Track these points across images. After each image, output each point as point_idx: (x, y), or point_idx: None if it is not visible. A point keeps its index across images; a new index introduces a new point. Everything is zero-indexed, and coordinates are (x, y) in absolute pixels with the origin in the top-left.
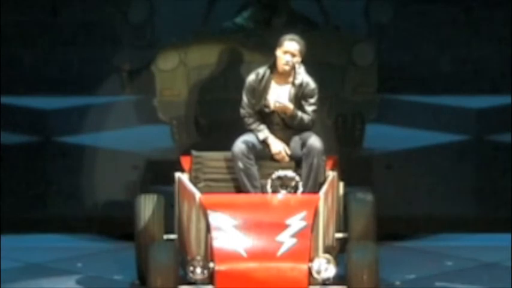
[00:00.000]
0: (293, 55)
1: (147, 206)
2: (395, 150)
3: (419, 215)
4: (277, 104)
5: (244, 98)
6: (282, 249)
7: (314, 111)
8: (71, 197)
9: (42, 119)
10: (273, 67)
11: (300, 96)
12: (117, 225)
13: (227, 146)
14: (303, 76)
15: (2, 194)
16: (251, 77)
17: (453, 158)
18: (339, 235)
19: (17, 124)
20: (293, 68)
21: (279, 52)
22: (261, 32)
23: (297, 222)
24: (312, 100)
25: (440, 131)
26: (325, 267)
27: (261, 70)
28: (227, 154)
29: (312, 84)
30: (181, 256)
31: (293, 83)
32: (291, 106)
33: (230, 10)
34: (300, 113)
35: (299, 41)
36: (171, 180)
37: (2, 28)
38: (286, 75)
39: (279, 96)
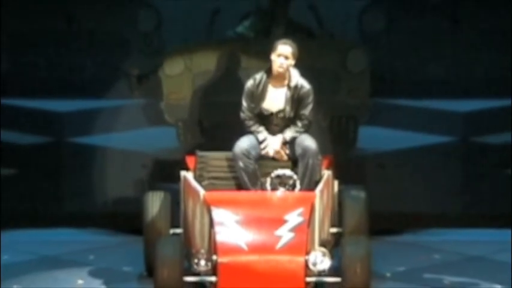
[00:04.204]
0: (286, 57)
1: (154, 203)
2: (386, 150)
3: (409, 211)
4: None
5: (244, 103)
6: (281, 243)
7: (310, 111)
8: (84, 194)
9: (57, 121)
10: (269, 72)
11: (296, 98)
12: (127, 220)
13: (229, 146)
14: (297, 79)
15: (19, 191)
16: (249, 83)
17: (441, 158)
18: (334, 230)
19: (33, 125)
20: (287, 70)
21: (273, 56)
22: (261, 40)
23: (294, 217)
24: (308, 100)
25: (428, 133)
26: (320, 260)
27: (258, 75)
28: (229, 154)
29: (306, 85)
30: (186, 249)
31: (288, 86)
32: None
33: (232, 20)
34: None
35: (292, 44)
36: (176, 178)
37: (21, 35)
38: (281, 79)
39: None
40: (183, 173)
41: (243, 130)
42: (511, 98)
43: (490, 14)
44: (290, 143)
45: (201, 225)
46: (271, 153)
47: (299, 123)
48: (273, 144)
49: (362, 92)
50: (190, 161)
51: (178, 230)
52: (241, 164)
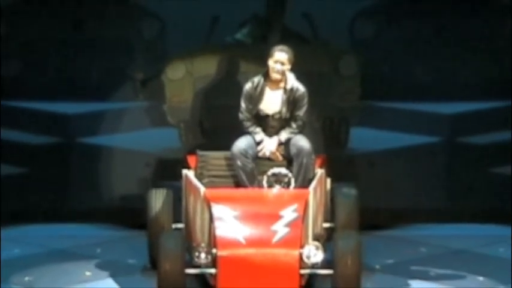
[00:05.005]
0: (282, 63)
1: (157, 199)
2: (376, 150)
3: (397, 207)
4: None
5: (242, 104)
6: (276, 237)
7: (305, 113)
8: (91, 191)
9: (65, 123)
10: (266, 75)
11: (291, 100)
12: (131, 216)
13: (228, 146)
14: (293, 82)
15: (30, 189)
16: (248, 85)
17: (427, 157)
18: (326, 225)
19: (43, 127)
20: (283, 74)
21: (270, 62)
22: (258, 46)
23: (289, 213)
24: (302, 103)
25: (416, 133)
26: (314, 253)
27: (256, 78)
28: (228, 154)
29: (301, 88)
30: (188, 243)
31: (284, 89)
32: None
33: (231, 27)
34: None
35: (288, 51)
36: (178, 176)
37: (32, 41)
38: (278, 82)
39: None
40: (184, 171)
41: (241, 131)
42: (493, 101)
43: (471, 22)
44: (285, 143)
45: (201, 221)
46: (267, 154)
47: (294, 125)
48: (269, 145)
49: (353, 95)
50: (191, 160)
51: (180, 225)
52: (239, 163)
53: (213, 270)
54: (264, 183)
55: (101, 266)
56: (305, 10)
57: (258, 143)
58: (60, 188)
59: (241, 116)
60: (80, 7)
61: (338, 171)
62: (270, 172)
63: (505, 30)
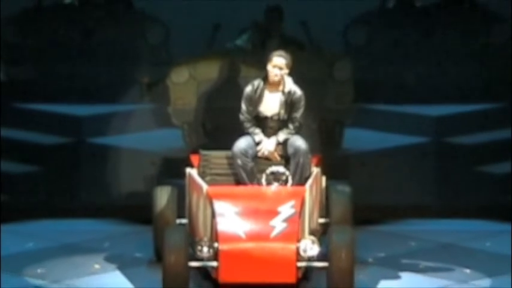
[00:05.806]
0: (280, 68)
1: (162, 196)
2: (369, 150)
3: (388, 203)
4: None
5: (243, 106)
6: (275, 232)
7: (301, 115)
8: (100, 188)
9: (76, 124)
10: (265, 79)
11: (289, 102)
12: (138, 212)
13: (229, 146)
14: (290, 85)
15: (43, 186)
16: (248, 88)
17: (417, 156)
18: (322, 220)
19: (55, 128)
20: (282, 78)
21: (269, 66)
22: (258, 51)
23: (287, 209)
24: (299, 105)
25: (406, 134)
26: (310, 247)
27: (256, 82)
28: (229, 153)
29: (298, 91)
30: (191, 238)
31: (283, 92)
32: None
33: (232, 34)
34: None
35: (285, 56)
36: (182, 174)
37: (44, 47)
38: (276, 85)
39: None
40: (188, 169)
41: (241, 132)
42: (480, 103)
43: (459, 28)
44: (283, 143)
45: (204, 216)
46: (266, 154)
47: (291, 126)
48: (267, 146)
49: (347, 98)
50: (194, 159)
51: (184, 221)
52: (239, 162)
53: (214, 263)
54: (263, 181)
55: (109, 259)
56: (301, 18)
57: (258, 143)
58: (71, 185)
59: (241, 117)
60: (89, 15)
61: (333, 170)
62: (268, 171)
63: (490, 36)
